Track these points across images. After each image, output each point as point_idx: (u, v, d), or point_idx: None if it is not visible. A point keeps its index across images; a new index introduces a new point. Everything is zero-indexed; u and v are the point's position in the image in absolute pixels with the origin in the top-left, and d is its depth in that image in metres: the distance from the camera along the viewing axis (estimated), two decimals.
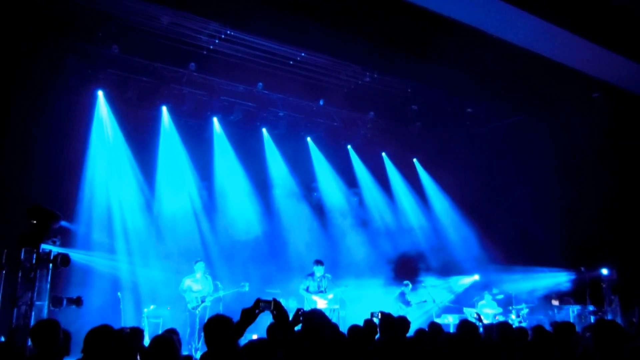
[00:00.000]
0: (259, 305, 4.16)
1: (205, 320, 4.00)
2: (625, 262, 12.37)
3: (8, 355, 4.13)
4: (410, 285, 12.38)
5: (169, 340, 3.75)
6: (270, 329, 4.92)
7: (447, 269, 14.09)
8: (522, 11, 8.99)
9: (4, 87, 9.59)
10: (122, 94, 11.34)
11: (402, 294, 12.23)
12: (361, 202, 15.05)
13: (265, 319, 5.02)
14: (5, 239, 8.02)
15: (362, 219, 14.63)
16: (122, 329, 5.49)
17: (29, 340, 7.18)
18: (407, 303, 12.09)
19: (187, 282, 10.34)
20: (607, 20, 9.54)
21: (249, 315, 4.10)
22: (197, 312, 10.07)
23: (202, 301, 10.18)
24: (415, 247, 14.57)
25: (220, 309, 10.19)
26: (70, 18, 9.81)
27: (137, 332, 5.69)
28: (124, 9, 9.94)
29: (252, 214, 13.17)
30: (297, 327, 4.39)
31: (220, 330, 3.83)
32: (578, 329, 6.89)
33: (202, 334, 4.05)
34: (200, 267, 10.46)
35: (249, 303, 4.29)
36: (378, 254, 14.06)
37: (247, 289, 10.28)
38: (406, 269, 13.79)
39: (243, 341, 4.10)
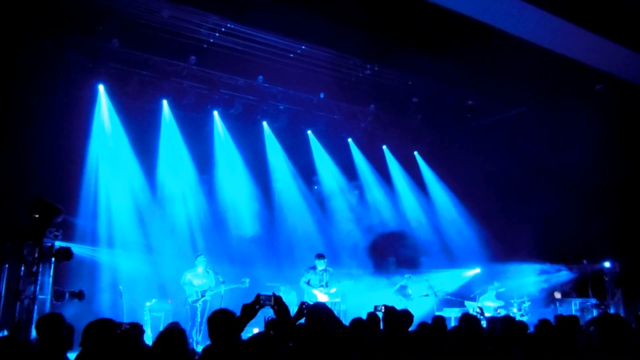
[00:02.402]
0: (260, 301, 4.17)
1: (206, 315, 4.03)
2: (628, 255, 12.36)
3: (11, 349, 4.14)
4: (412, 278, 12.38)
5: (180, 331, 3.78)
6: (270, 323, 4.94)
7: (449, 262, 14.11)
8: (524, 3, 8.95)
9: (4, 81, 9.56)
10: (122, 88, 11.32)
11: (403, 287, 12.25)
12: (362, 195, 15.04)
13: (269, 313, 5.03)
14: (7, 233, 8.03)
15: (363, 212, 14.63)
16: (121, 324, 5.49)
17: (32, 333, 7.25)
18: (408, 296, 12.11)
19: (188, 275, 10.27)
20: (609, 11, 9.49)
21: (249, 311, 4.11)
22: (197, 305, 10.03)
23: (202, 295, 10.11)
24: (417, 241, 14.59)
25: (221, 304, 10.18)
26: (70, 12, 9.77)
27: (137, 328, 5.70)
28: (124, 2, 9.90)
29: (252, 207, 13.17)
30: (301, 321, 4.40)
31: (223, 324, 3.84)
32: (581, 322, 6.90)
33: (204, 327, 4.06)
34: (201, 261, 10.38)
35: (250, 298, 4.29)
36: (379, 246, 14.07)
37: (247, 285, 10.23)
38: (407, 262, 13.81)
39: (244, 336, 4.11)
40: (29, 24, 9.55)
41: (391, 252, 14.09)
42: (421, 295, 12.15)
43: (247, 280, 10.28)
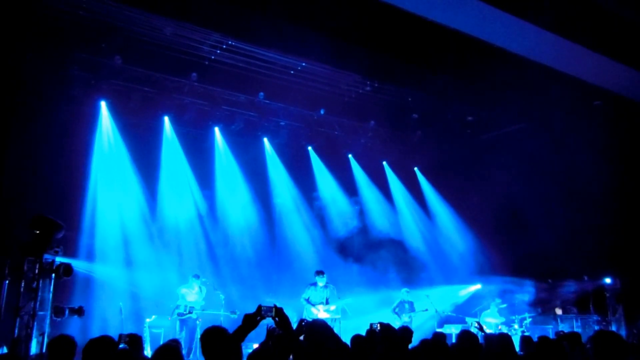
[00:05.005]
0: (261, 312, 4.17)
1: (194, 331, 4.04)
2: (629, 271, 12.33)
3: None
4: (411, 293, 12.31)
5: (174, 349, 3.78)
6: (271, 331, 4.93)
7: (449, 278, 14.06)
8: (522, 20, 9.04)
9: (7, 97, 9.64)
10: (124, 104, 11.41)
11: (402, 303, 12.19)
12: (362, 211, 15.03)
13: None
14: (8, 249, 8.04)
15: (363, 228, 14.62)
16: (120, 336, 5.48)
17: (31, 350, 7.23)
18: (407, 312, 12.03)
19: (183, 290, 10.59)
20: (607, 28, 9.59)
21: (250, 321, 4.11)
22: (184, 318, 10.27)
23: (190, 312, 10.34)
24: (417, 256, 14.56)
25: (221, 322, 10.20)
26: (73, 29, 9.87)
27: (136, 340, 5.67)
28: (127, 20, 10.01)
29: (253, 222, 13.18)
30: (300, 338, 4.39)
31: (216, 341, 3.84)
32: (583, 339, 6.88)
33: (197, 344, 4.05)
34: (196, 282, 10.66)
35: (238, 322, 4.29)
36: (379, 262, 14.03)
37: (235, 316, 10.34)
38: (408, 278, 13.77)
39: (246, 349, 4.11)
40: (33, 40, 9.66)
41: (391, 268, 14.03)
42: (421, 310, 12.08)
43: (237, 312, 10.37)
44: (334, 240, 14.16)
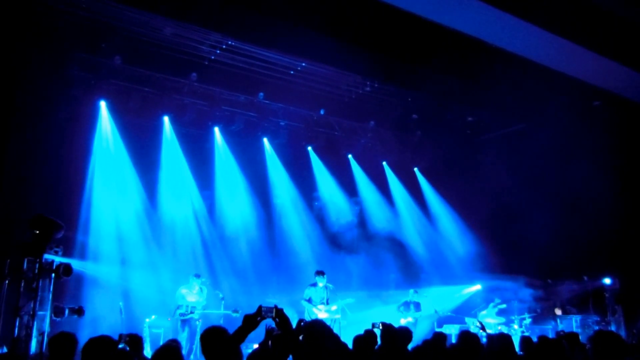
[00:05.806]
0: (261, 312, 4.17)
1: (195, 331, 4.04)
2: (628, 272, 12.33)
3: None
4: (416, 295, 12.32)
5: (174, 349, 3.78)
6: (270, 331, 4.94)
7: (449, 279, 14.06)
8: (522, 20, 9.05)
9: (7, 97, 9.64)
10: (124, 104, 11.40)
11: (407, 304, 12.20)
12: (362, 212, 15.03)
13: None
14: (8, 249, 8.04)
15: (363, 228, 14.62)
16: (120, 336, 5.48)
17: (31, 349, 7.23)
18: (411, 313, 12.04)
19: (183, 290, 10.52)
20: (607, 28, 9.61)
21: (250, 322, 4.11)
22: (185, 318, 10.24)
23: (192, 312, 10.31)
24: (417, 257, 14.56)
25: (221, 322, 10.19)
26: (73, 29, 9.88)
27: (136, 340, 5.67)
28: (127, 20, 10.03)
29: (253, 223, 13.18)
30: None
31: (216, 341, 3.85)
32: (582, 339, 6.88)
33: (198, 344, 4.05)
34: (197, 282, 10.61)
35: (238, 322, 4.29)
36: (379, 262, 14.03)
37: (237, 315, 10.26)
38: (409, 278, 13.78)
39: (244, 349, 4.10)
40: (33, 40, 9.66)
41: (392, 268, 14.04)
42: (427, 312, 12.07)
43: (239, 311, 10.30)
44: (333, 240, 14.14)
